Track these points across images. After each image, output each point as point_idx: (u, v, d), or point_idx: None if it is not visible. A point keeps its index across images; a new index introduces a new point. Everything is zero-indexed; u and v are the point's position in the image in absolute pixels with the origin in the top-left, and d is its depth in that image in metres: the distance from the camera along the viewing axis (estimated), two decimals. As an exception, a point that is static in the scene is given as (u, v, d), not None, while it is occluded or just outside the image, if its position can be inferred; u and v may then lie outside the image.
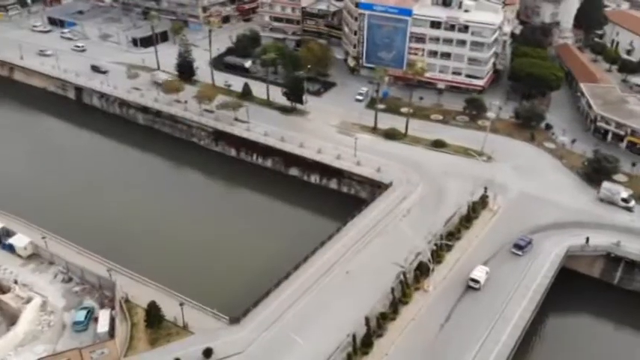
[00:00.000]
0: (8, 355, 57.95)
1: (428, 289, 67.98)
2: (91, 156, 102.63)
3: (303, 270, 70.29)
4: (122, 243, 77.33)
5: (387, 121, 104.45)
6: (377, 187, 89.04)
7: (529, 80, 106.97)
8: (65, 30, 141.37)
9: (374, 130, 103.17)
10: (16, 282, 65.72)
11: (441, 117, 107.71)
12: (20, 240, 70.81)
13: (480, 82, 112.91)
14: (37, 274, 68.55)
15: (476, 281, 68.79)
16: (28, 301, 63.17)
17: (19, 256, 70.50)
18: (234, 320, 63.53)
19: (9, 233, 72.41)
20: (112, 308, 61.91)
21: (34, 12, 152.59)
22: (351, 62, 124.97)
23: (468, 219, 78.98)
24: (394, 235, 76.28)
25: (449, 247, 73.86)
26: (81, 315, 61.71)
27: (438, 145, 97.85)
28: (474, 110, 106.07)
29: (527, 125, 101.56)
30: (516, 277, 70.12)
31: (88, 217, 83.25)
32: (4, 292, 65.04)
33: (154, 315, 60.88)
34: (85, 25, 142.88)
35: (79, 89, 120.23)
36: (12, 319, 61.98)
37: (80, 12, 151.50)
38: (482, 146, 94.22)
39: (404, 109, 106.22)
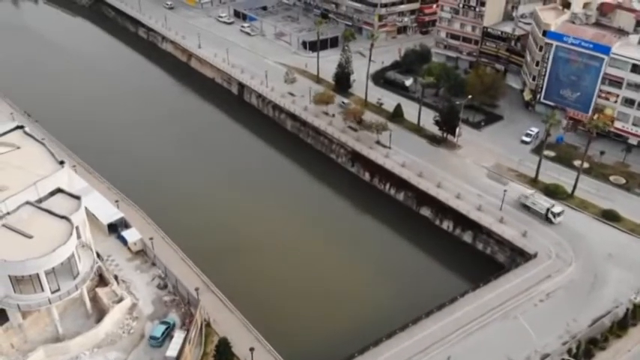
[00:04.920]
0: (83, 353, 58.37)
1: (545, 407, 54.38)
2: (233, 154, 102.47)
3: (397, 340, 60.91)
4: (226, 256, 75.32)
5: (552, 173, 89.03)
6: (518, 254, 75.26)
7: None
8: (245, 24, 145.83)
9: (533, 181, 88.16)
10: (116, 277, 66.56)
11: (623, 180, 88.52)
12: (132, 235, 72.02)
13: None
14: (138, 272, 68.99)
15: None
16: (120, 300, 63.33)
17: (129, 249, 71.81)
18: (304, 380, 57.09)
19: (126, 225, 74.22)
20: (188, 330, 59.27)
21: (223, 2, 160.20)
22: (527, 95, 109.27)
23: (622, 325, 62.45)
24: (521, 323, 62.80)
25: (588, 357, 58.60)
26: (159, 330, 60.06)
27: (610, 216, 79.98)
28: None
29: None
30: None
31: (204, 220, 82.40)
32: (104, 284, 66.26)
33: (222, 353, 56.82)
34: (263, 21, 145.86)
35: (241, 85, 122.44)
36: (100, 314, 62.62)
37: (264, 7, 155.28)
38: (669, 230, 74.81)
39: (577, 162, 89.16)
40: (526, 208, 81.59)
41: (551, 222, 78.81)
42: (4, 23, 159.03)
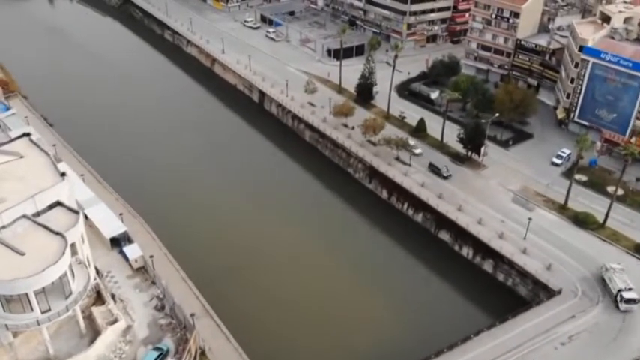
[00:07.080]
0: (71, 377, 56.06)
1: None
2: (249, 166, 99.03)
3: (402, 381, 56.92)
4: (229, 277, 72.23)
5: (583, 200, 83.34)
6: (541, 289, 70.02)
7: None
8: (270, 29, 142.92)
9: (562, 208, 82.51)
10: (113, 296, 64.13)
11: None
12: (134, 251, 69.53)
13: None
14: (136, 291, 66.38)
15: None
16: (115, 321, 60.84)
17: (130, 266, 69.42)
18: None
19: (129, 240, 71.87)
20: (181, 359, 56.34)
21: (251, 6, 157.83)
22: (560, 113, 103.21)
23: (652, 378, 56.76)
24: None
25: (611, 413, 53.44)
26: (151, 357, 57.05)
27: (644, 251, 74.03)
28: None
29: None
30: None
31: (210, 238, 79.28)
32: (102, 302, 63.92)
33: (212, 387, 53.76)
34: (289, 26, 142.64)
35: (262, 93, 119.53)
36: (95, 333, 60.17)
37: (291, 13, 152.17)
38: None
39: (610, 189, 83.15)
40: (603, 282, 68.94)
41: (617, 306, 65.37)
42: (36, 21, 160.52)
